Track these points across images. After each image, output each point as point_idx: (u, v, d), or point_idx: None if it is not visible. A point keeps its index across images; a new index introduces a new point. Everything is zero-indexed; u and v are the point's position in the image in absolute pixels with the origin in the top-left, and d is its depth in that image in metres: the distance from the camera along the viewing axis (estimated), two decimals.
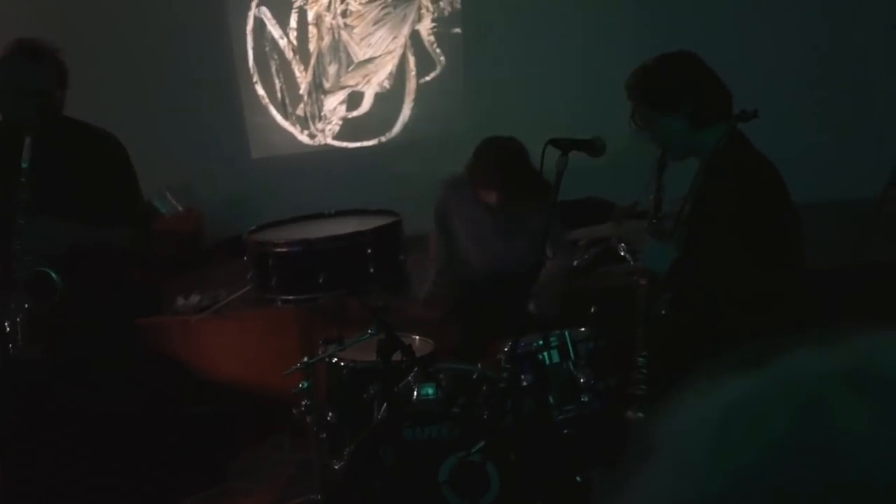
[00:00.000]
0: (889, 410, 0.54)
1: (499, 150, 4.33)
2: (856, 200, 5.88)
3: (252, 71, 7.80)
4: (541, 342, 3.64)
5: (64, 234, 3.60)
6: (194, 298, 5.72)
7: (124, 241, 3.86)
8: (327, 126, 7.79)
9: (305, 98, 7.80)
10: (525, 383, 3.59)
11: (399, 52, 7.63)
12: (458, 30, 7.52)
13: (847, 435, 0.53)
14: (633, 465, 0.59)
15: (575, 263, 4.82)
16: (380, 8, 7.61)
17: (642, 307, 3.27)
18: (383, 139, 7.72)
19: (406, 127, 7.67)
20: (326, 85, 7.78)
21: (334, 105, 7.77)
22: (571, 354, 3.64)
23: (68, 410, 3.83)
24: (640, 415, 3.24)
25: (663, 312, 3.23)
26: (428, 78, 7.60)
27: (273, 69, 7.79)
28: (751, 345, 0.61)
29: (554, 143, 3.35)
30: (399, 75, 7.65)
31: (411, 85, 7.63)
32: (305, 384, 3.92)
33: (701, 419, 0.59)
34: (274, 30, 7.72)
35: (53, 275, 3.55)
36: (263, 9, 7.71)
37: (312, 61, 7.76)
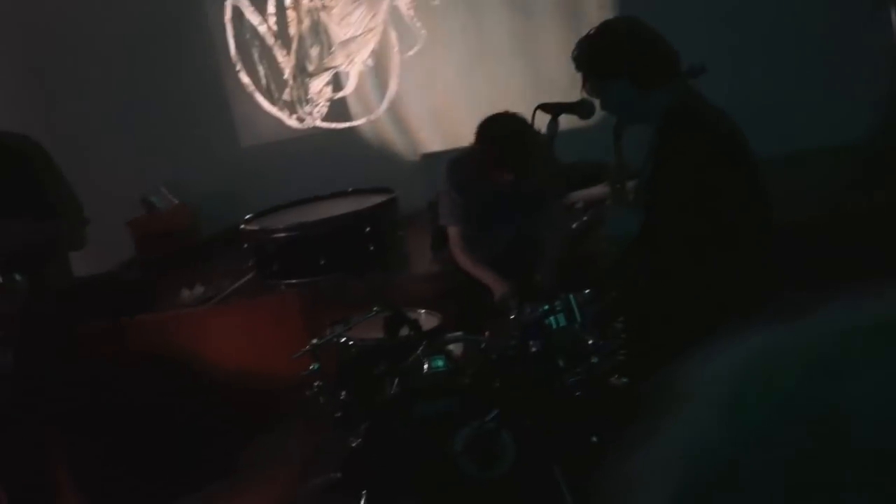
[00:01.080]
0: None
1: (505, 129, 4.29)
2: (840, 148, 5.89)
3: (235, 60, 7.78)
4: (546, 307, 3.66)
5: (19, 231, 3.64)
6: (198, 290, 5.75)
7: (57, 235, 3.87)
8: (315, 109, 7.78)
9: (290, 82, 7.78)
10: (534, 349, 3.61)
11: (380, 28, 7.61)
12: (437, 2, 7.49)
13: (855, 396, 0.54)
14: (656, 417, 0.61)
15: (574, 226, 4.83)
16: None
17: (614, 273, 3.29)
18: (372, 117, 7.72)
19: (393, 103, 7.66)
20: (310, 68, 7.76)
21: (320, 87, 7.76)
22: (578, 317, 3.66)
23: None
24: (623, 380, 3.25)
25: (637, 277, 3.25)
26: (411, 52, 7.58)
27: (255, 56, 7.77)
28: (782, 298, 0.62)
29: (543, 107, 3.38)
30: (382, 52, 7.63)
31: (395, 60, 7.62)
32: (316, 366, 3.95)
33: (720, 374, 0.60)
34: (252, 17, 7.69)
35: (17, 276, 3.59)
36: None
37: (294, 45, 7.74)
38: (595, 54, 3.18)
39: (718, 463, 0.56)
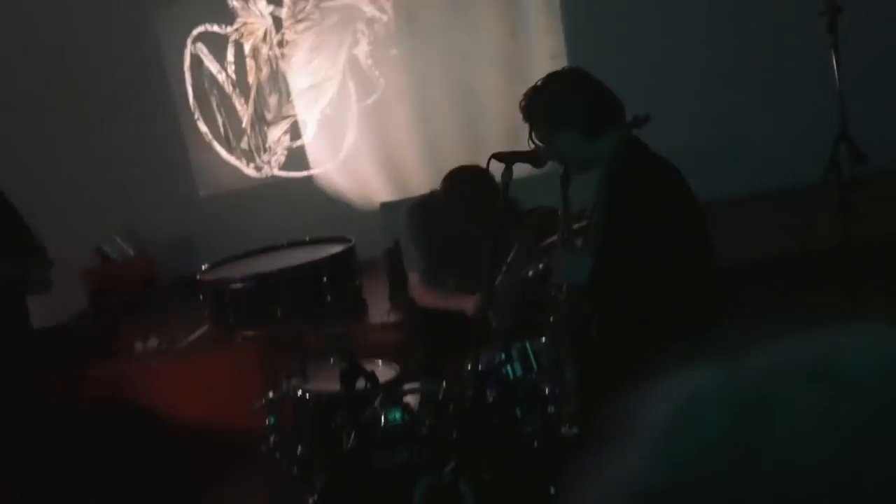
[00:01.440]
0: (853, 409, 0.56)
1: (474, 180, 4.33)
2: (797, 188, 5.98)
3: (193, 108, 7.78)
4: (503, 356, 3.66)
5: None
6: (153, 342, 5.69)
7: (18, 275, 3.82)
8: (273, 157, 7.78)
9: (248, 131, 7.79)
10: (491, 399, 3.60)
11: (338, 77, 7.64)
12: (395, 51, 7.54)
13: (807, 436, 0.55)
14: (595, 454, 0.62)
15: (529, 274, 4.84)
16: (315, 35, 7.61)
17: (563, 321, 3.30)
18: (330, 166, 7.72)
19: (351, 152, 7.67)
20: (269, 116, 7.77)
21: (278, 135, 7.76)
22: (534, 365, 3.66)
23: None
24: (574, 430, 3.25)
25: (588, 325, 3.25)
26: (369, 101, 7.61)
27: (214, 104, 7.77)
28: (715, 338, 0.64)
29: (496, 156, 3.39)
30: (340, 101, 7.65)
31: (353, 110, 7.64)
32: (272, 420, 3.91)
33: (656, 412, 0.61)
34: (211, 65, 7.71)
35: None
36: (199, 45, 7.69)
37: (253, 93, 7.75)
38: (542, 105, 3.21)
39: (653, 499, 0.58)
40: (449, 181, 4.46)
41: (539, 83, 3.25)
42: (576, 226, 3.35)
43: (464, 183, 4.39)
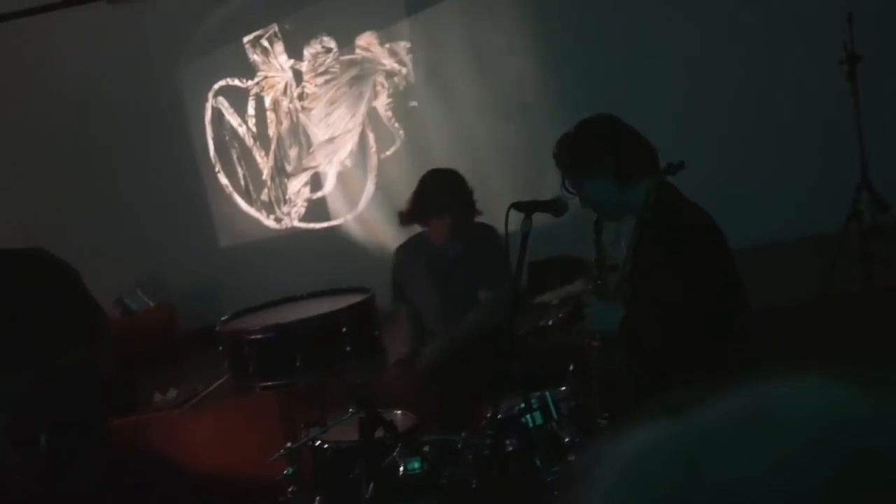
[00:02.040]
0: (788, 456, 0.56)
1: (441, 174, 4.73)
2: (819, 236, 5.95)
3: (214, 160, 7.84)
4: (522, 405, 3.63)
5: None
6: (172, 393, 5.68)
7: (93, 358, 3.85)
8: (293, 209, 7.82)
9: (269, 183, 7.84)
10: (510, 448, 3.57)
11: (358, 129, 7.70)
12: (414, 103, 7.60)
13: (744, 484, 0.55)
14: None
15: (549, 323, 4.83)
16: (335, 88, 7.69)
17: (596, 368, 3.27)
18: (349, 217, 7.75)
19: (371, 203, 7.70)
20: (288, 168, 7.82)
21: (298, 187, 7.81)
22: (554, 414, 3.63)
23: None
24: None
25: (621, 373, 3.23)
26: (388, 153, 7.66)
27: (234, 157, 7.83)
28: (666, 395, 0.63)
29: (516, 206, 3.38)
30: (360, 153, 7.70)
31: (372, 161, 7.68)
32: (290, 470, 3.88)
33: (605, 468, 0.61)
34: (232, 118, 7.78)
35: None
36: (221, 98, 7.77)
37: (273, 146, 7.81)
38: (575, 152, 3.21)
39: None
40: (420, 185, 4.71)
41: (572, 130, 3.25)
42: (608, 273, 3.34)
43: (442, 181, 4.66)
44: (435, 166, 7.48)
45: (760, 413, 0.59)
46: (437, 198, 4.59)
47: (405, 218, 4.78)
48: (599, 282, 3.30)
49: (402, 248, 4.87)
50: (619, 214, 3.27)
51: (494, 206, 4.36)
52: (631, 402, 3.19)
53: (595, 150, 3.18)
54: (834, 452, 0.55)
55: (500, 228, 3.59)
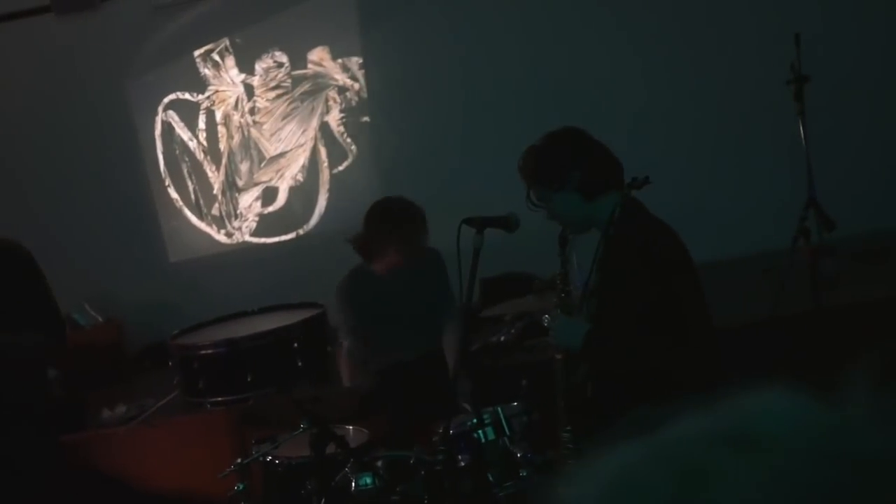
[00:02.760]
0: (768, 468, 0.57)
1: (384, 208, 4.65)
2: (766, 254, 6.02)
3: (164, 175, 7.78)
4: (474, 420, 3.64)
5: None
6: (120, 409, 5.61)
7: (36, 347, 3.81)
8: (244, 223, 7.78)
9: (220, 197, 7.79)
10: (462, 463, 3.58)
11: (310, 144, 7.68)
12: (366, 118, 7.60)
13: (729, 498, 0.56)
14: None
15: (502, 339, 4.85)
16: (287, 103, 7.67)
17: (560, 382, 3.27)
18: (301, 232, 7.72)
19: (323, 218, 7.68)
20: (240, 183, 7.78)
21: (249, 202, 7.77)
22: (506, 430, 3.64)
23: None
24: None
25: (584, 388, 3.24)
26: (341, 168, 7.65)
27: (185, 171, 7.77)
28: (637, 413, 0.64)
29: (468, 221, 3.40)
30: (312, 167, 7.68)
31: (324, 176, 7.67)
32: (241, 486, 3.86)
33: (587, 491, 0.61)
34: (183, 132, 7.73)
35: None
36: (171, 112, 7.71)
37: (224, 160, 7.77)
38: (541, 165, 3.21)
39: None
40: (377, 213, 4.63)
41: (537, 143, 3.25)
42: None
43: (386, 215, 4.59)
44: (386, 181, 7.54)
45: (738, 429, 0.60)
46: (380, 233, 4.55)
47: (357, 249, 4.70)
48: (563, 295, 3.30)
49: (343, 288, 4.79)
50: (584, 228, 3.28)
51: (446, 222, 4.37)
52: (594, 416, 3.20)
53: (561, 163, 3.18)
54: (818, 463, 0.57)
55: (452, 244, 3.60)
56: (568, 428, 3.24)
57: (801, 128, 5.46)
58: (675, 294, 3.03)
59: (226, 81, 7.68)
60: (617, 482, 0.60)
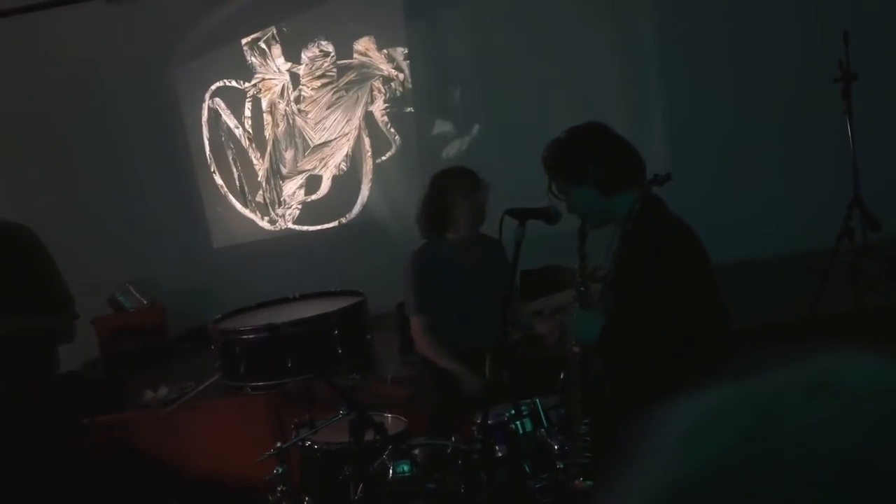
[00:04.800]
0: (837, 409, 0.63)
1: (460, 167, 4.73)
2: (810, 253, 5.98)
3: (209, 161, 7.85)
4: (512, 411, 3.65)
5: None
6: (163, 391, 5.68)
7: (51, 327, 3.87)
8: (287, 211, 7.83)
9: (264, 185, 7.85)
10: (499, 454, 3.59)
11: (354, 133, 7.72)
12: (410, 109, 7.63)
13: (800, 439, 0.62)
14: (623, 464, 0.69)
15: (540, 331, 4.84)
16: (332, 92, 7.71)
17: (577, 375, 3.28)
18: (343, 220, 7.76)
19: (365, 207, 7.73)
20: (284, 170, 7.84)
21: (293, 190, 7.82)
22: (544, 422, 3.65)
23: None
24: (588, 483, 3.22)
25: (600, 381, 3.24)
26: (384, 158, 7.68)
27: (230, 158, 7.84)
28: (735, 362, 0.69)
29: (510, 213, 3.40)
30: (355, 157, 7.72)
31: (368, 165, 7.71)
32: (280, 470, 3.90)
33: (678, 422, 0.68)
34: (229, 119, 7.79)
35: None
36: (217, 100, 7.78)
37: (269, 148, 7.83)
38: (562, 158, 3.23)
39: (679, 491, 0.64)
40: (443, 177, 4.64)
41: (561, 136, 3.27)
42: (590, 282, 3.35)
43: (459, 175, 4.61)
44: (429, 172, 7.54)
45: (826, 380, 0.66)
46: (461, 189, 4.56)
47: (425, 226, 4.68)
48: (582, 289, 3.31)
49: (418, 255, 4.66)
50: (602, 223, 3.28)
51: (491, 214, 4.39)
52: (611, 409, 3.21)
53: (581, 158, 3.20)
54: (882, 407, 0.63)
55: (493, 235, 3.61)
56: (586, 420, 3.25)
57: (847, 126, 5.40)
58: (682, 296, 3.02)
59: (272, 70, 7.74)
60: (702, 417, 0.67)
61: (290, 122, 7.77)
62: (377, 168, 7.70)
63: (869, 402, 0.64)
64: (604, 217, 3.25)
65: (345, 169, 7.75)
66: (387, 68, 7.62)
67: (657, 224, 3.15)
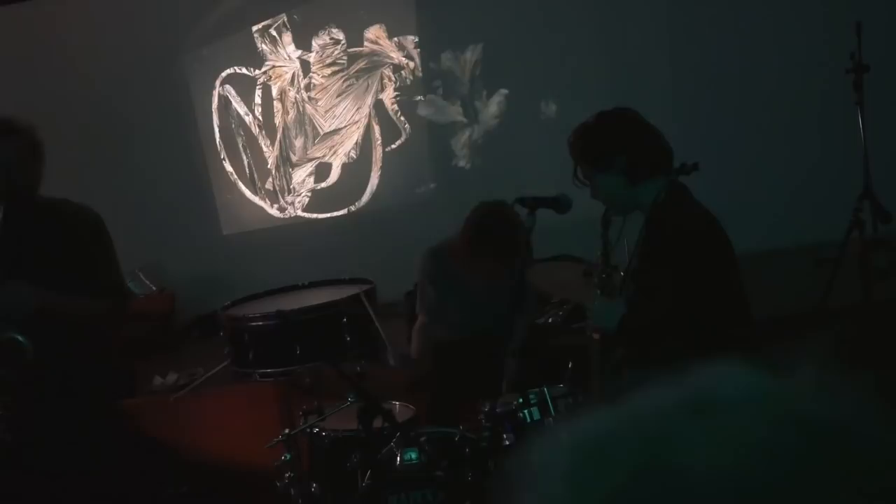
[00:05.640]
0: (724, 434, 0.61)
1: (489, 218, 4.27)
2: (819, 245, 5.96)
3: (219, 148, 7.86)
4: (521, 400, 3.65)
5: (31, 298, 3.58)
6: (171, 377, 5.70)
7: (96, 312, 3.85)
8: (296, 198, 7.84)
9: (273, 172, 7.86)
10: (507, 442, 3.59)
11: (364, 121, 7.72)
12: (420, 97, 7.62)
13: (689, 463, 0.60)
14: (508, 496, 0.66)
15: (549, 321, 4.84)
16: (343, 80, 7.70)
17: (597, 364, 3.28)
18: (353, 208, 7.77)
19: (374, 195, 7.73)
20: (294, 158, 7.84)
21: (302, 177, 7.83)
22: (552, 411, 3.65)
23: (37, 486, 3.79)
24: None
25: (619, 368, 3.24)
26: (393, 146, 7.68)
27: (240, 145, 7.85)
28: (609, 384, 0.68)
29: (520, 201, 3.40)
30: (365, 145, 7.72)
31: (377, 154, 7.71)
32: (287, 456, 3.91)
33: (559, 455, 0.65)
34: (239, 106, 7.80)
35: (20, 338, 3.52)
36: (228, 87, 7.79)
37: (279, 135, 7.83)
38: (589, 144, 3.20)
39: None
40: (468, 222, 4.39)
41: (589, 121, 3.25)
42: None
43: (487, 222, 4.32)
44: (438, 160, 7.55)
45: (699, 397, 0.65)
46: (478, 250, 4.25)
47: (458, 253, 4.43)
48: (604, 276, 3.30)
49: (433, 257, 4.58)
50: (627, 210, 3.27)
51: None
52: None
53: (608, 144, 3.17)
54: (770, 426, 0.62)
55: None
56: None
57: (859, 118, 5.38)
58: (705, 286, 3.01)
59: (282, 57, 7.74)
60: (585, 447, 0.64)
61: (301, 109, 7.78)
62: (387, 156, 7.70)
63: (749, 413, 0.62)
64: (629, 204, 3.23)
65: (354, 157, 7.75)
66: (397, 56, 7.61)
67: (683, 213, 3.13)
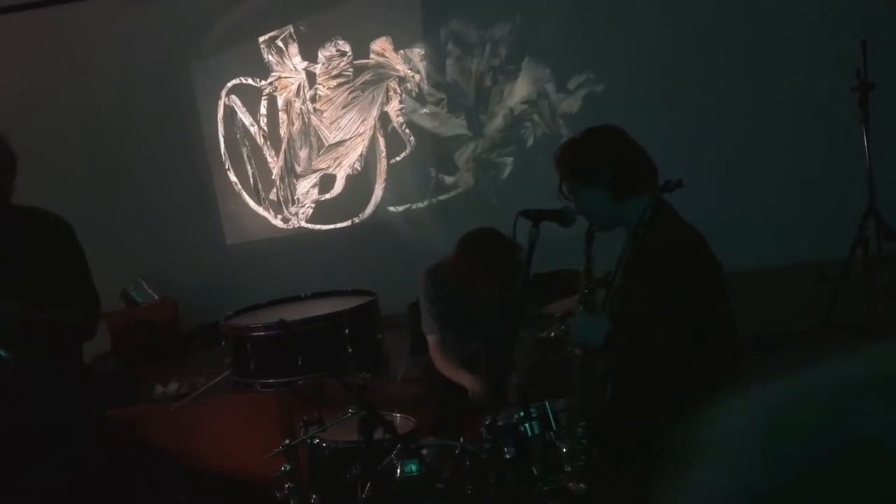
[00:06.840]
0: None
1: (483, 244, 4.40)
2: (824, 262, 5.95)
3: (224, 158, 7.87)
4: (521, 414, 3.65)
5: (9, 311, 3.58)
6: (173, 386, 5.69)
7: (70, 321, 3.85)
8: (300, 209, 7.85)
9: (278, 183, 7.87)
10: (508, 455, 3.59)
11: (369, 133, 7.73)
12: (425, 110, 7.63)
13: (875, 434, 0.61)
14: (676, 472, 0.67)
15: (551, 335, 4.84)
16: (348, 92, 7.72)
17: (578, 378, 3.27)
18: (356, 220, 7.77)
19: (378, 207, 7.73)
20: (298, 169, 7.85)
21: (307, 188, 7.84)
22: (553, 425, 3.64)
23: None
24: (582, 486, 3.20)
25: (603, 385, 3.23)
26: (398, 158, 7.68)
27: (245, 155, 7.86)
28: (788, 354, 0.68)
29: (524, 214, 3.39)
30: (370, 157, 7.73)
31: (382, 166, 7.71)
32: (288, 467, 3.91)
33: (746, 422, 0.67)
34: (244, 117, 7.81)
35: (2, 351, 3.52)
36: (233, 97, 7.80)
37: (283, 146, 7.84)
38: (575, 159, 3.22)
39: (757, 496, 0.63)
40: (465, 246, 4.48)
41: (576, 137, 3.27)
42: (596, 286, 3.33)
43: (481, 248, 4.41)
44: (443, 173, 7.55)
45: (884, 372, 0.65)
46: (475, 267, 4.40)
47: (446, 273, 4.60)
48: (587, 292, 3.30)
49: (433, 276, 4.67)
50: (611, 226, 3.27)
51: (503, 213, 4.36)
52: (611, 412, 3.20)
53: (594, 159, 3.18)
54: None
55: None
56: (583, 423, 3.24)
57: (864, 135, 5.38)
58: (690, 304, 3.00)
59: (288, 68, 7.75)
60: (777, 414, 0.66)
61: (306, 120, 7.79)
62: (391, 168, 7.70)
63: None
64: (613, 220, 3.24)
65: (359, 169, 7.76)
66: (403, 69, 7.63)
67: (669, 230, 3.13)
